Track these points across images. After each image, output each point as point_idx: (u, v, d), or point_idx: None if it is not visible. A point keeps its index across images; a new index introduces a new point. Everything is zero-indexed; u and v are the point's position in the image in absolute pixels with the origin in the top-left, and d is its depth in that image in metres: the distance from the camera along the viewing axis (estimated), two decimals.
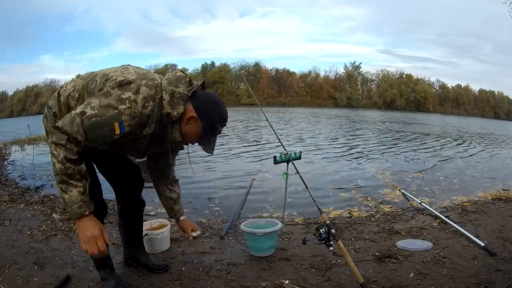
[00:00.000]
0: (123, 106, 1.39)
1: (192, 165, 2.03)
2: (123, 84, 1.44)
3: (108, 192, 1.92)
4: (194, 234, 2.01)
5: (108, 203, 2.01)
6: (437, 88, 69.20)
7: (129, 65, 1.66)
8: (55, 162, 1.37)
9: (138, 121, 1.44)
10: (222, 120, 1.59)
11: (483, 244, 2.38)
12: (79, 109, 1.40)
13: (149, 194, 2.22)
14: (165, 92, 1.46)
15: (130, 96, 1.41)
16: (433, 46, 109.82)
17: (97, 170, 1.81)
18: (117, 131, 1.40)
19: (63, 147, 1.36)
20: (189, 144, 1.66)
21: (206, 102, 1.54)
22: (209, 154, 1.64)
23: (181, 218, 2.03)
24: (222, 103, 1.59)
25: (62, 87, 1.66)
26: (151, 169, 1.97)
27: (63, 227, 2.85)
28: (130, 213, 2.05)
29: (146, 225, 2.44)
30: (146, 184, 2.06)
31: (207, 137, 1.58)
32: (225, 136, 11.80)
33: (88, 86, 1.56)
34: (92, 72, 1.64)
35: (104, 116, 1.38)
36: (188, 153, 1.81)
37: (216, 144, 1.65)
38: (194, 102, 1.52)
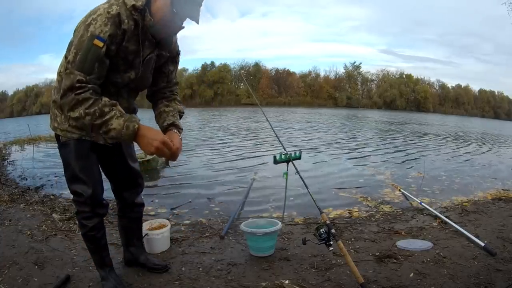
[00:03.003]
0: (91, 28, 1.41)
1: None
2: (84, 18, 1.46)
3: (108, 193, 1.92)
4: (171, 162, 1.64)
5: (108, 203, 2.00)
6: (437, 88, 69.24)
7: None
8: (83, 119, 1.39)
9: (112, 23, 1.43)
10: None
11: (483, 244, 2.38)
12: (64, 65, 1.44)
13: (149, 194, 2.22)
14: None
15: (92, 17, 1.43)
16: (435, 46, 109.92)
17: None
18: (100, 44, 1.40)
19: (77, 104, 1.38)
20: (172, 33, 1.62)
21: None
22: (196, 23, 1.54)
23: (172, 129, 1.72)
24: None
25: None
26: (152, 96, 1.86)
27: (63, 227, 2.85)
28: (129, 214, 2.05)
29: (146, 225, 2.44)
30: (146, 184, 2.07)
31: (179, 2, 1.49)
32: (225, 136, 11.80)
33: None
34: None
35: (82, 45, 1.40)
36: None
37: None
38: None
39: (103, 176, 1.91)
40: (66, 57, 1.49)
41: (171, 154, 1.50)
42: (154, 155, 1.66)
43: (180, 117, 1.82)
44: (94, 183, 1.72)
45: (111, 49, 1.45)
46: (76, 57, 1.40)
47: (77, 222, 2.93)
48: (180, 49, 1.83)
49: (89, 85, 1.41)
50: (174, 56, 1.81)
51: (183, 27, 1.60)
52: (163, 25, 1.53)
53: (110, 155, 1.85)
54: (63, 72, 1.44)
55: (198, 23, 1.54)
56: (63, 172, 1.73)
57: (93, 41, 1.40)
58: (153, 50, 1.63)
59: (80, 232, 1.96)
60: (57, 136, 1.72)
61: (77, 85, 1.38)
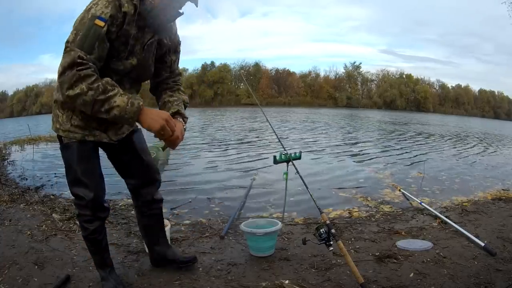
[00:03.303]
0: (92, 10, 1.41)
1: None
2: (85, 8, 1.47)
3: (109, 194, 1.92)
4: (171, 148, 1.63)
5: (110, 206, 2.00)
6: (437, 88, 69.24)
7: None
8: (85, 96, 1.36)
9: (113, 6, 1.43)
10: None
11: (483, 244, 2.38)
12: (65, 46, 1.42)
13: None
14: None
15: (93, 2, 1.44)
16: (435, 46, 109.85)
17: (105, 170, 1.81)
18: (101, 23, 1.40)
19: (79, 79, 1.35)
20: (171, 17, 1.61)
21: None
22: (195, 6, 1.57)
23: (177, 117, 1.70)
24: None
25: None
26: (156, 88, 1.85)
27: (63, 227, 2.85)
28: (149, 211, 2.02)
29: None
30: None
31: None
32: (225, 136, 11.80)
33: None
34: None
35: (83, 25, 1.40)
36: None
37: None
38: None
39: (120, 175, 1.92)
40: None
41: (171, 139, 1.50)
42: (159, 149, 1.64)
43: (185, 107, 1.82)
44: (95, 186, 1.71)
45: (111, 31, 1.44)
46: (76, 37, 1.39)
47: (77, 223, 2.94)
48: (180, 40, 1.83)
49: (90, 63, 1.39)
50: (176, 46, 1.81)
51: (182, 13, 1.61)
52: (162, 9, 1.53)
53: (121, 154, 1.85)
54: (65, 52, 1.40)
55: (197, 6, 1.56)
56: (65, 174, 1.72)
57: (94, 21, 1.40)
58: (153, 35, 1.62)
59: (80, 233, 1.96)
60: (59, 137, 1.70)
61: (78, 61, 1.36)
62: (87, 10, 1.43)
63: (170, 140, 1.56)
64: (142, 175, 1.93)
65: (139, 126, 1.73)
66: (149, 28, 1.59)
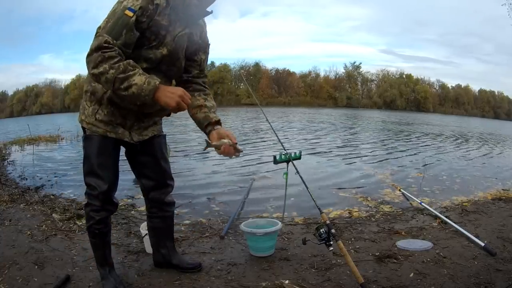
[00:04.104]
0: (124, 2, 1.51)
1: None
2: None
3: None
4: (239, 149, 1.66)
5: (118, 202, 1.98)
6: (437, 88, 69.25)
7: None
8: (107, 74, 1.45)
9: None
10: None
11: (483, 244, 2.38)
12: (96, 31, 1.53)
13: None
14: None
15: None
16: (435, 46, 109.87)
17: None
18: (130, 13, 1.49)
19: (103, 60, 1.45)
20: (199, 14, 1.69)
21: None
22: None
23: (218, 128, 1.73)
24: None
25: None
26: (186, 84, 1.83)
27: (63, 227, 2.85)
28: (158, 213, 2.03)
29: (146, 225, 2.44)
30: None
31: None
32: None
33: None
34: None
35: (114, 15, 1.51)
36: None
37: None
38: None
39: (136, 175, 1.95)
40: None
41: (224, 151, 1.60)
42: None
43: None
44: (109, 180, 1.75)
45: (141, 21, 1.52)
46: (107, 24, 1.51)
47: (77, 223, 2.94)
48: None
49: (116, 47, 1.48)
50: (206, 45, 1.86)
51: (211, 12, 1.70)
52: (193, 5, 1.62)
53: (140, 155, 1.88)
54: (95, 36, 1.51)
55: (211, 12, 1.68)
56: (82, 162, 1.77)
57: (124, 11, 1.50)
58: (184, 28, 1.67)
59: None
60: (83, 128, 1.77)
61: (105, 45, 1.46)
62: (120, 1, 1.53)
63: (223, 153, 1.62)
64: (156, 178, 1.96)
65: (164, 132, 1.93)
66: (180, 21, 1.65)
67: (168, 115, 1.91)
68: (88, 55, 1.48)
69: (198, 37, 1.79)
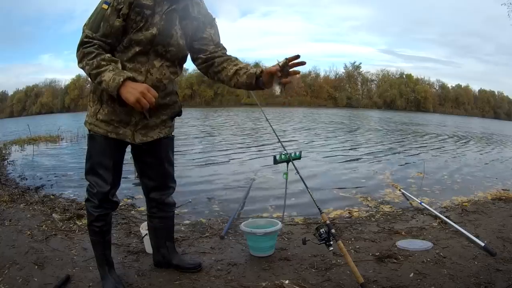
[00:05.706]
0: None
1: None
2: None
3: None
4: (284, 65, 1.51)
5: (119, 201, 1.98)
6: (437, 88, 69.20)
7: None
8: (85, 69, 1.56)
9: None
10: None
11: (483, 244, 2.38)
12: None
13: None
14: None
15: None
16: (435, 46, 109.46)
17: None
18: (105, 6, 1.57)
19: (83, 56, 1.56)
20: None
21: None
22: None
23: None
24: None
25: None
26: (207, 63, 1.81)
27: (63, 227, 2.85)
28: (159, 213, 2.04)
29: (145, 225, 2.44)
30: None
31: None
32: (225, 135, 11.80)
33: None
34: None
35: (95, 11, 1.61)
36: None
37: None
38: None
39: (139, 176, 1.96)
40: None
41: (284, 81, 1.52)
42: None
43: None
44: (109, 181, 1.75)
45: (119, 8, 1.57)
46: (89, 20, 1.61)
47: (77, 223, 2.94)
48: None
49: (95, 41, 1.57)
50: (210, 19, 1.82)
51: None
52: None
53: (145, 156, 1.88)
54: (82, 33, 1.60)
55: None
56: (85, 159, 1.79)
57: (102, 5, 1.59)
58: (171, 5, 1.65)
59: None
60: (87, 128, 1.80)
61: (85, 40, 1.57)
62: None
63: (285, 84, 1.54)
64: (158, 180, 1.96)
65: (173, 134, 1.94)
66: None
67: (179, 114, 1.90)
68: (76, 51, 1.59)
69: (196, 13, 1.76)
